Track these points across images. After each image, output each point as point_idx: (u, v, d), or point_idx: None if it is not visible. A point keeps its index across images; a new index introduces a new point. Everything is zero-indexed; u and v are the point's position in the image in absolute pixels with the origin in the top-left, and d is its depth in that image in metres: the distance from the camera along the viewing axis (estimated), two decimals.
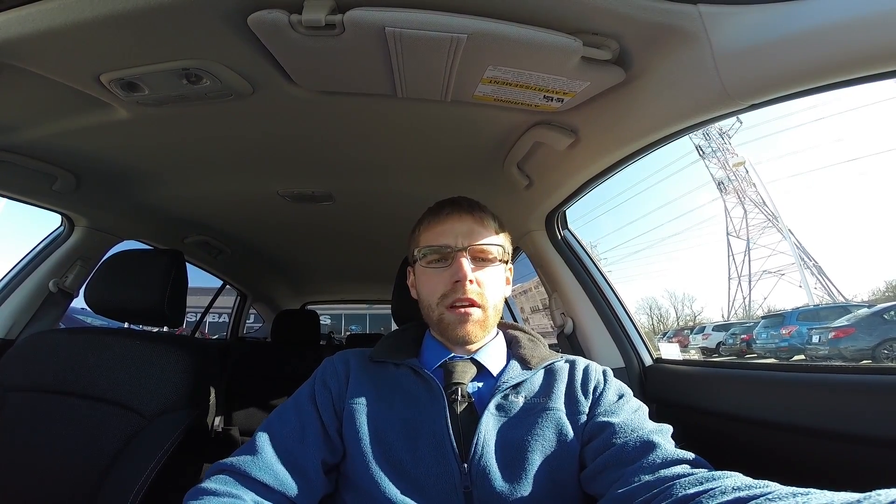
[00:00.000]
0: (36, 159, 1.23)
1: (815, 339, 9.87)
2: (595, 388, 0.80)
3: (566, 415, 0.76)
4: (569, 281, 1.46)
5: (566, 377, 0.82)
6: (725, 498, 0.51)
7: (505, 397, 0.78)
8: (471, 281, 0.79)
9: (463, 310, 0.79)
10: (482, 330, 0.81)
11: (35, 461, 1.06)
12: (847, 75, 0.63)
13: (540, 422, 0.74)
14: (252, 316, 3.66)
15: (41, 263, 1.55)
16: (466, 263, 0.79)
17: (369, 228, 2.04)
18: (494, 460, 0.71)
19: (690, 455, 0.66)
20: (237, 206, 1.73)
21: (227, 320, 3.47)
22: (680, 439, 0.72)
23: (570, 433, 0.74)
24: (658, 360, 1.34)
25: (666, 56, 0.77)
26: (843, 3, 0.59)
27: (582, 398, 0.79)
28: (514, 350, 0.88)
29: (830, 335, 9.40)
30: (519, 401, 0.78)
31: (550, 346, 0.99)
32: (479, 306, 0.80)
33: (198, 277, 2.42)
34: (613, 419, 0.73)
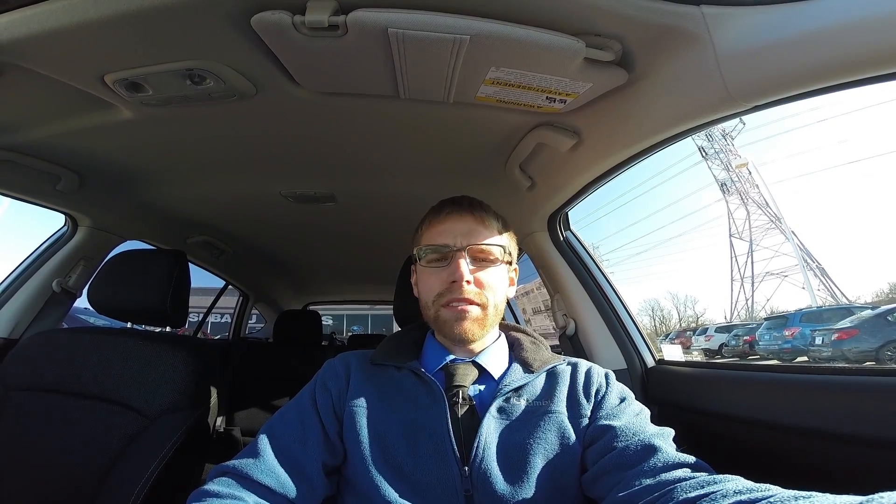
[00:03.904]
0: (40, 159, 1.24)
1: (819, 340, 9.83)
2: (597, 392, 0.80)
3: (568, 418, 0.76)
4: (571, 282, 1.45)
5: (568, 380, 0.82)
6: (726, 501, 0.51)
7: (506, 400, 0.77)
8: (468, 281, 0.79)
9: (460, 307, 0.79)
10: (481, 328, 0.81)
11: (37, 460, 1.06)
12: (850, 77, 0.63)
13: (542, 425, 0.74)
14: (254, 316, 3.67)
15: (44, 263, 1.56)
16: (464, 264, 0.79)
17: (371, 229, 2.04)
18: (496, 463, 0.70)
19: (691, 459, 0.65)
20: (240, 206, 1.73)
21: (229, 321, 3.48)
22: (682, 441, 0.72)
23: (572, 436, 0.74)
24: (660, 362, 1.34)
25: (669, 57, 0.76)
26: (846, 5, 0.58)
27: (584, 401, 0.78)
28: (516, 353, 0.87)
29: (834, 337, 9.37)
30: (521, 404, 0.77)
31: (552, 347, 0.99)
32: (477, 304, 0.80)
33: (200, 278, 2.42)
34: (615, 422, 0.73)
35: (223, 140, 1.21)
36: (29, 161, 1.22)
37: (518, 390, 0.79)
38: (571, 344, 1.45)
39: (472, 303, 0.79)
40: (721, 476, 0.58)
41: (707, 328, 18.68)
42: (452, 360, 0.83)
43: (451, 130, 1.14)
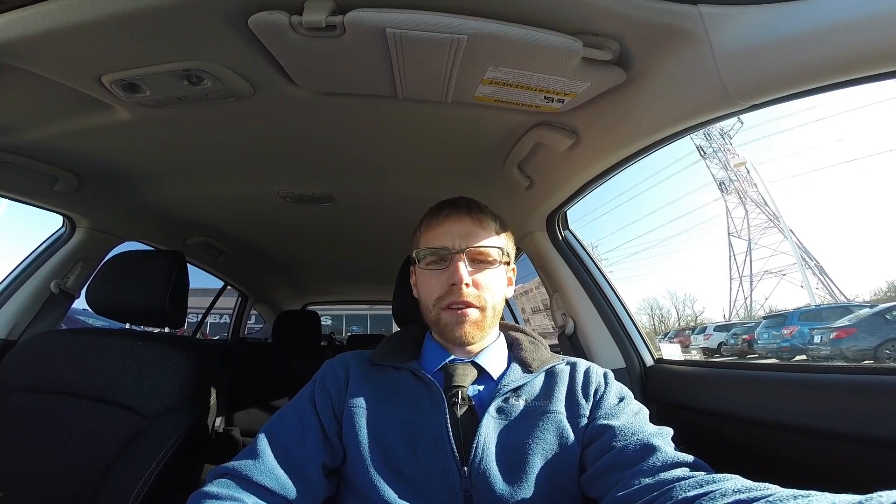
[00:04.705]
0: (37, 160, 1.24)
1: (817, 339, 9.85)
2: (596, 391, 0.80)
3: (567, 418, 0.76)
4: (570, 281, 1.45)
5: (567, 380, 0.82)
6: (726, 500, 0.51)
7: (505, 400, 0.77)
8: (467, 284, 0.79)
9: (460, 311, 0.79)
10: (480, 331, 0.81)
11: (36, 462, 1.06)
12: (848, 75, 0.63)
13: (541, 425, 0.74)
14: (253, 317, 3.66)
15: (43, 264, 1.56)
16: (463, 266, 0.79)
17: (370, 229, 2.04)
18: (495, 463, 0.71)
19: (690, 458, 0.66)
20: (238, 207, 1.73)
21: (228, 321, 3.48)
22: (681, 440, 0.72)
23: (571, 436, 0.74)
24: (659, 361, 1.34)
25: (667, 57, 0.76)
26: (843, 4, 0.58)
27: (583, 401, 0.78)
28: (514, 352, 0.88)
29: (832, 335, 9.39)
30: (519, 404, 0.77)
31: (551, 346, 0.99)
32: (476, 307, 0.80)
33: (199, 278, 2.42)
34: (614, 422, 0.73)
35: (221, 141, 1.20)
36: (27, 162, 1.22)
37: (517, 390, 0.79)
38: (570, 343, 1.45)
39: (471, 306, 0.80)
40: (720, 475, 0.58)
41: (706, 327, 18.69)
42: (451, 361, 0.83)
43: (449, 130, 1.14)
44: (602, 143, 1.02)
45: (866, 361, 8.35)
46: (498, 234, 0.87)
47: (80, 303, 1.56)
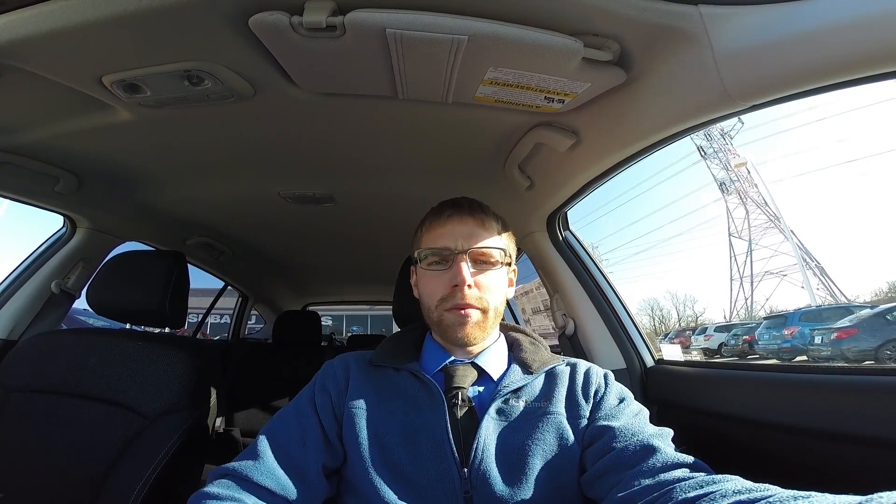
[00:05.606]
0: (38, 161, 1.24)
1: (818, 339, 9.85)
2: (596, 392, 0.80)
3: (567, 419, 0.76)
4: (570, 282, 1.45)
5: (567, 381, 0.82)
6: (726, 501, 0.51)
7: (505, 402, 0.77)
8: (469, 286, 0.79)
9: (462, 311, 0.79)
10: (481, 332, 0.81)
11: (37, 462, 1.06)
12: (848, 76, 0.63)
13: (540, 426, 0.74)
14: (253, 317, 3.66)
15: (43, 265, 1.56)
16: (466, 267, 0.79)
17: (370, 230, 2.04)
18: (495, 465, 0.71)
19: (690, 459, 0.66)
20: (239, 207, 1.73)
21: (228, 321, 3.48)
22: (681, 440, 0.72)
23: (571, 437, 0.74)
24: (660, 362, 1.34)
25: (667, 57, 0.76)
26: (844, 4, 0.58)
27: (583, 402, 0.78)
28: (515, 353, 0.87)
29: (833, 336, 9.38)
30: (519, 405, 0.77)
31: (552, 347, 0.99)
32: (478, 309, 0.80)
33: (199, 279, 2.42)
34: (614, 423, 0.73)
35: (221, 141, 1.21)
36: (27, 163, 1.22)
37: (517, 391, 0.79)
38: (571, 344, 1.45)
39: (473, 307, 0.79)
40: (720, 476, 0.58)
41: (706, 327, 18.68)
42: (452, 362, 0.83)
43: (449, 131, 1.14)
44: (602, 143, 1.02)
45: (867, 362, 8.35)
46: (500, 234, 0.86)
47: (81, 303, 1.57)
